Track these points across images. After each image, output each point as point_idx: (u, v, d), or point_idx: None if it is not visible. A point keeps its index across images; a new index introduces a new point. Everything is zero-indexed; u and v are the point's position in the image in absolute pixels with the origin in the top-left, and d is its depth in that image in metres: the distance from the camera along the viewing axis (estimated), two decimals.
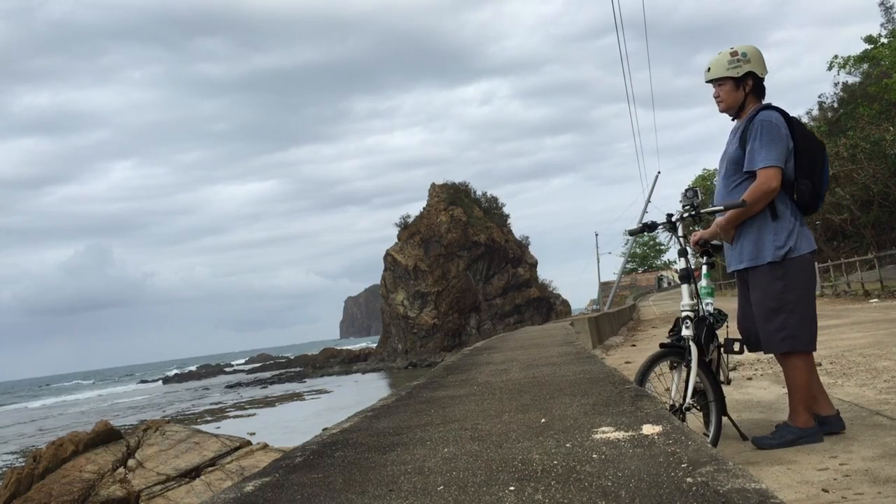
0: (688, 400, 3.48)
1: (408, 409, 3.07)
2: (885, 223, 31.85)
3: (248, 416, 33.22)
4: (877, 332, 8.89)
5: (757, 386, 5.67)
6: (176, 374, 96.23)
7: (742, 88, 3.69)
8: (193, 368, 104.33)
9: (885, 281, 22.17)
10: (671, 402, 3.46)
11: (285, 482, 1.88)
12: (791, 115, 3.69)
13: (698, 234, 4.02)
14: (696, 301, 3.68)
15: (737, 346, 3.74)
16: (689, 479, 1.48)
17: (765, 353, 3.66)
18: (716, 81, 3.72)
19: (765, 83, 3.75)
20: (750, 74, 3.67)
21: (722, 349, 3.83)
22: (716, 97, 3.76)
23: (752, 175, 3.59)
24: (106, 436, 13.39)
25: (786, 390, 5.25)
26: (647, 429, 2.02)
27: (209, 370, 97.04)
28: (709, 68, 3.72)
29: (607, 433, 2.04)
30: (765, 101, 3.75)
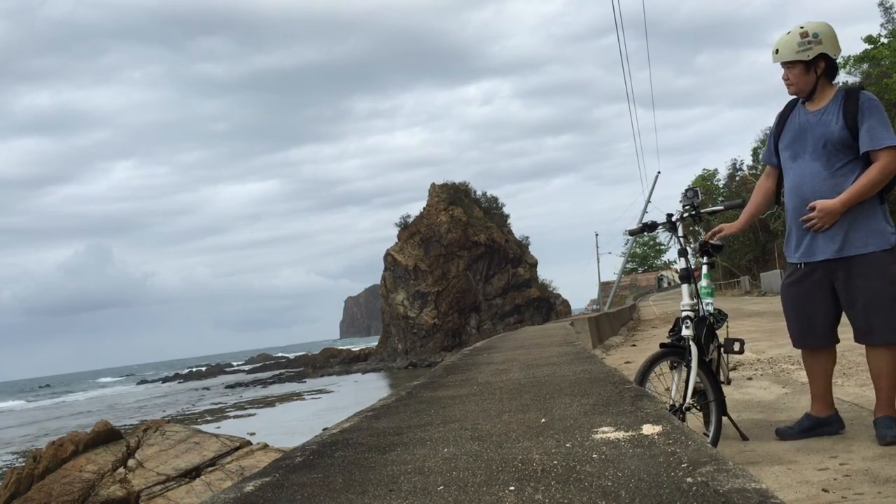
0: (688, 400, 3.47)
1: (408, 409, 3.07)
2: None
3: (248, 416, 33.19)
4: None
5: (757, 386, 5.67)
6: (176, 374, 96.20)
7: (814, 71, 3.43)
8: (193, 369, 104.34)
9: None
10: (671, 402, 3.46)
11: (285, 482, 1.88)
12: None
13: (728, 228, 3.89)
14: (696, 301, 3.68)
15: (737, 346, 3.73)
16: (689, 479, 1.48)
17: (879, 343, 3.40)
18: (785, 64, 3.46)
19: (838, 62, 3.51)
20: (822, 56, 3.41)
21: (722, 349, 3.83)
22: (785, 79, 3.51)
23: (862, 157, 3.35)
24: (106, 436, 13.39)
25: (786, 390, 5.26)
26: (647, 429, 2.02)
27: (209, 370, 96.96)
28: (776, 50, 3.45)
29: (607, 433, 2.04)
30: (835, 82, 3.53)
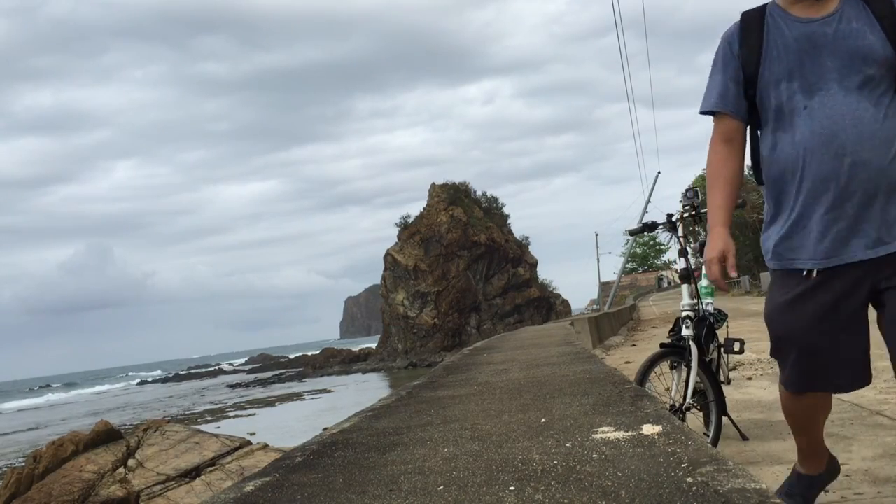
0: (688, 400, 3.48)
1: (408, 408, 3.07)
2: None
3: (248, 416, 33.20)
4: (876, 332, 8.88)
5: (757, 386, 5.68)
6: (176, 374, 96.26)
7: None
8: (193, 368, 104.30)
9: None
10: (671, 402, 3.46)
11: (285, 482, 1.89)
12: None
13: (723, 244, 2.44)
14: (696, 301, 3.69)
15: (737, 346, 3.73)
16: (689, 479, 1.48)
17: None
18: None
19: None
20: None
21: (722, 349, 3.83)
22: None
23: None
24: (106, 436, 13.39)
25: None
26: (648, 429, 2.02)
27: (209, 370, 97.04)
28: None
29: (607, 433, 2.04)
30: None
